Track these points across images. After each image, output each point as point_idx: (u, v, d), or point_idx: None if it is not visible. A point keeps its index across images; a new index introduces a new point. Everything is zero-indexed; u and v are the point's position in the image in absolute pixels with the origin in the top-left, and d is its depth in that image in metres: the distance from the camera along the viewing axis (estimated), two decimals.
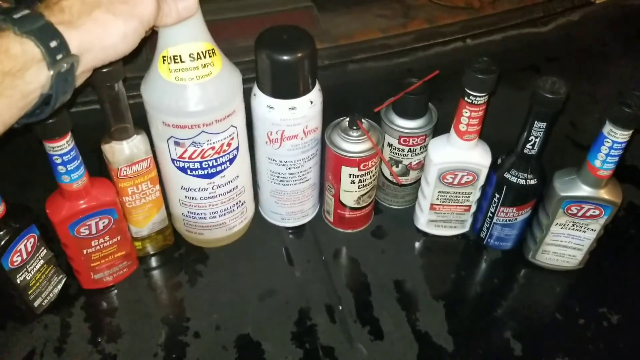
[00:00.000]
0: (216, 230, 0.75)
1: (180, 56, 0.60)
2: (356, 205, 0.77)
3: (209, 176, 0.68)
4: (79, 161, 0.60)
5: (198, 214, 0.73)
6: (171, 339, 0.68)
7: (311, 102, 0.68)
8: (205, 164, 0.67)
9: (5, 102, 0.45)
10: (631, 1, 1.24)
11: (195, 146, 0.65)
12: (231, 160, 0.69)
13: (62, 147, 0.58)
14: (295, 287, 0.74)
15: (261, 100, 0.67)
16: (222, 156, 0.67)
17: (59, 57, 0.47)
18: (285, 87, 0.66)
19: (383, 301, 0.73)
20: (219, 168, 0.68)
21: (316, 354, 0.68)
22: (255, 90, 0.68)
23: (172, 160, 0.67)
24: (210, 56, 0.61)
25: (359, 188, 0.75)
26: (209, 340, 0.69)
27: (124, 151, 0.65)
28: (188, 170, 0.67)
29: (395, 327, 0.70)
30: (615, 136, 0.62)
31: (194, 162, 0.66)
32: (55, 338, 0.68)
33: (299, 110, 0.67)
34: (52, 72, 0.47)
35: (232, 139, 0.67)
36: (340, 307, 0.72)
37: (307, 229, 0.82)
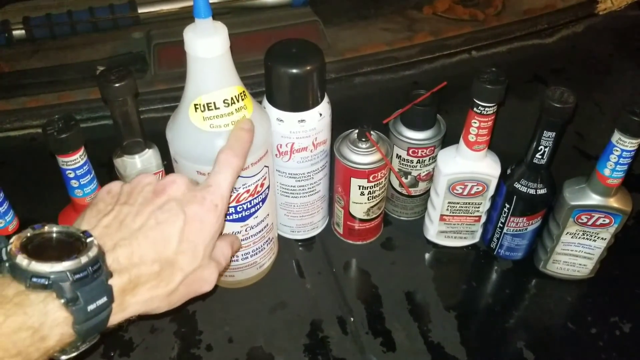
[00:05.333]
0: (247, 270, 0.73)
1: (214, 103, 0.58)
2: (366, 217, 0.78)
3: (243, 219, 0.66)
4: (91, 175, 0.61)
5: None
6: (184, 352, 0.69)
7: (320, 115, 0.68)
8: (239, 208, 0.65)
9: None
10: (635, 12, 1.25)
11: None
12: (263, 200, 0.67)
13: (75, 162, 0.59)
14: (307, 299, 0.75)
15: (271, 113, 0.68)
16: (255, 198, 0.65)
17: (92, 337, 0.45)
18: (295, 99, 0.67)
19: (395, 313, 0.73)
20: (252, 210, 0.66)
21: None
22: (265, 103, 0.69)
23: None
24: (242, 99, 0.59)
25: (368, 200, 0.75)
26: (222, 353, 0.69)
27: (136, 165, 0.65)
28: None
29: (408, 339, 0.70)
30: (624, 144, 0.62)
31: (229, 207, 0.64)
32: None
33: (309, 123, 0.68)
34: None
35: (264, 179, 0.65)
36: (352, 319, 0.72)
37: (317, 241, 0.82)
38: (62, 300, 0.41)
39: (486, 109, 0.66)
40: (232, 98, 0.59)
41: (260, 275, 0.76)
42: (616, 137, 0.62)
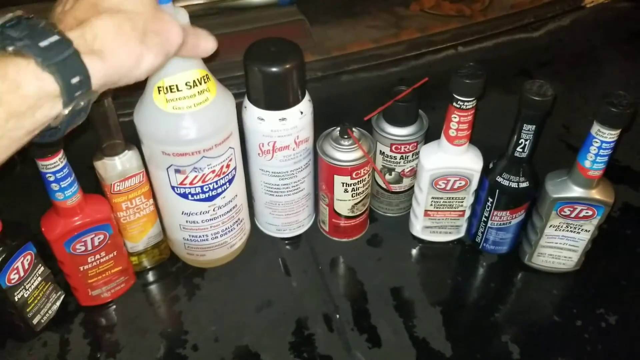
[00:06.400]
0: (218, 250, 0.75)
1: (176, 86, 0.59)
2: (350, 214, 0.78)
3: (210, 199, 0.68)
4: (72, 178, 0.61)
5: (200, 236, 0.72)
6: (170, 353, 0.69)
7: (301, 113, 0.68)
8: (206, 188, 0.67)
9: (5, 143, 0.41)
10: (621, 4, 1.25)
11: (196, 172, 0.65)
12: (230, 181, 0.69)
13: (54, 165, 0.59)
14: (293, 297, 0.75)
15: (252, 112, 0.68)
16: (222, 178, 0.67)
17: (78, 94, 0.43)
18: (275, 98, 0.67)
19: (380, 309, 0.73)
20: (219, 190, 0.68)
21: None
22: (246, 102, 0.69)
23: (173, 187, 0.66)
24: (205, 82, 0.61)
25: (352, 196, 0.75)
26: (208, 353, 0.69)
27: (116, 167, 0.65)
28: (189, 196, 0.67)
29: (393, 334, 0.70)
30: (603, 136, 0.62)
31: (195, 187, 0.66)
32: (55, 355, 0.68)
33: (290, 121, 0.68)
34: (66, 111, 0.43)
35: (230, 160, 0.67)
36: (338, 316, 0.72)
37: (303, 239, 0.82)
38: (10, 49, 0.40)
39: (465, 104, 0.66)
40: (194, 81, 0.60)
41: (231, 256, 0.78)
42: (595, 128, 0.62)
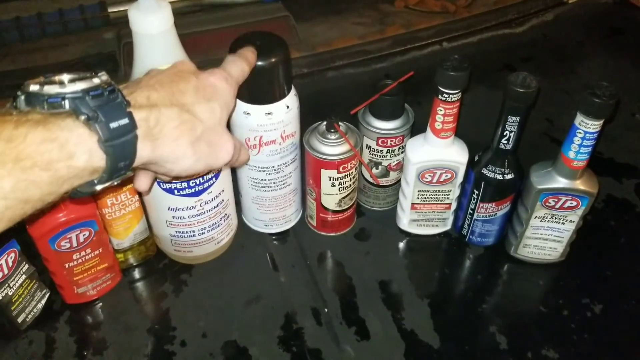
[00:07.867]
0: (205, 245, 0.75)
1: None
2: (338, 208, 0.78)
3: (197, 194, 0.68)
4: None
5: (187, 232, 0.72)
6: (157, 349, 0.68)
7: (287, 107, 0.68)
8: (192, 183, 0.66)
9: (37, 205, 0.42)
10: None
11: None
12: (216, 175, 0.68)
13: None
14: (281, 292, 0.75)
15: (237, 106, 0.67)
16: (207, 172, 0.67)
17: (117, 175, 0.45)
18: (261, 92, 0.67)
19: (368, 302, 0.73)
20: (205, 185, 0.68)
21: (303, 357, 0.68)
22: None
23: (158, 182, 0.66)
24: None
25: (339, 191, 0.75)
26: (196, 349, 0.68)
27: None
28: (175, 191, 0.67)
29: (382, 327, 0.70)
30: (586, 127, 0.62)
31: (181, 182, 0.66)
32: (41, 354, 0.68)
33: (276, 115, 0.68)
34: (99, 187, 0.45)
35: None
36: (326, 310, 0.72)
37: (291, 235, 0.82)
38: (82, 117, 0.42)
39: (450, 96, 0.66)
40: None
41: (219, 251, 0.77)
42: (579, 119, 0.63)
